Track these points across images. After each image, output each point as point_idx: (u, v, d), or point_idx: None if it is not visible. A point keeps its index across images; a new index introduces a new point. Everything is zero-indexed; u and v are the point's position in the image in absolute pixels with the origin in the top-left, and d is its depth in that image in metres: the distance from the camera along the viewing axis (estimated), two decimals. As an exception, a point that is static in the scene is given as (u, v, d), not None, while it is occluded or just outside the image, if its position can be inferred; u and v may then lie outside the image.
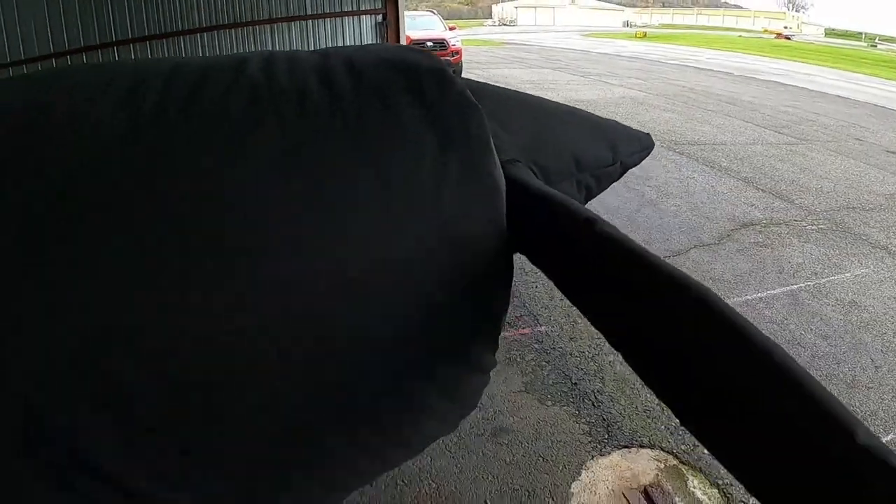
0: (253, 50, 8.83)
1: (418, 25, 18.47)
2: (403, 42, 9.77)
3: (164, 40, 8.54)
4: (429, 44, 17.06)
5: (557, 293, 4.92)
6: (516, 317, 4.71)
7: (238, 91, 1.26)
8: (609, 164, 1.81)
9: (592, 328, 4.22)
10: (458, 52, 18.00)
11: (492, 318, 1.43)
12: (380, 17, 9.28)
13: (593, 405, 3.59)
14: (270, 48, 9.11)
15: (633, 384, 3.76)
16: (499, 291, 1.42)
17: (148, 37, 8.46)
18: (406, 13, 20.29)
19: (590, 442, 3.28)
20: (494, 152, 1.33)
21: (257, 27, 8.92)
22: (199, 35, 8.76)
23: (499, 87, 1.81)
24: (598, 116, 1.96)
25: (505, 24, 64.87)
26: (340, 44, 9.26)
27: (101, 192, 1.11)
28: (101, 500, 1.20)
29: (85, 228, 1.07)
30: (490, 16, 71.34)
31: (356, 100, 1.28)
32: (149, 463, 1.15)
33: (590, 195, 1.81)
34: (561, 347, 4.24)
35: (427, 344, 1.32)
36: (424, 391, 1.39)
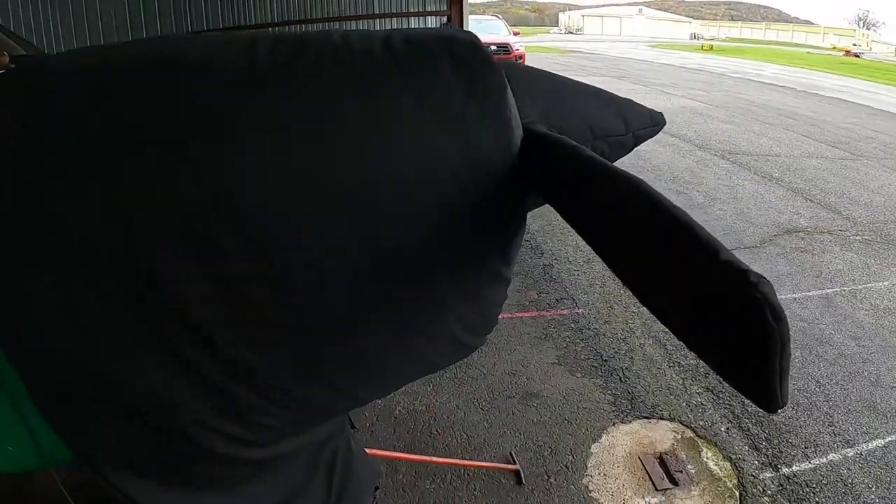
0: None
1: (483, 29, 18.65)
2: None
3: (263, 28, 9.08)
4: (493, 47, 17.22)
5: (597, 280, 5.13)
6: (556, 299, 4.90)
7: (326, 49, 1.66)
8: (621, 133, 2.01)
9: (627, 313, 4.40)
10: (521, 57, 18.12)
11: (506, 235, 1.70)
12: (444, 19, 9.47)
13: (620, 380, 3.76)
14: None
15: (660, 365, 3.91)
16: (511, 213, 1.67)
17: (223, 29, 8.99)
18: (471, 17, 20.51)
19: (613, 411, 3.46)
20: (511, 102, 1.63)
21: (327, 24, 9.28)
22: (270, 30, 9.21)
23: (527, 66, 2.08)
24: (612, 93, 2.13)
25: (571, 33, 64.57)
26: None
27: (231, 101, 1.58)
28: (194, 362, 1.61)
29: (224, 128, 1.57)
30: (556, 24, 71.10)
31: (408, 56, 1.65)
32: (230, 321, 1.59)
33: (605, 158, 2.04)
34: (595, 328, 4.41)
35: (451, 250, 1.63)
36: (452, 293, 1.69)
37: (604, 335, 4.31)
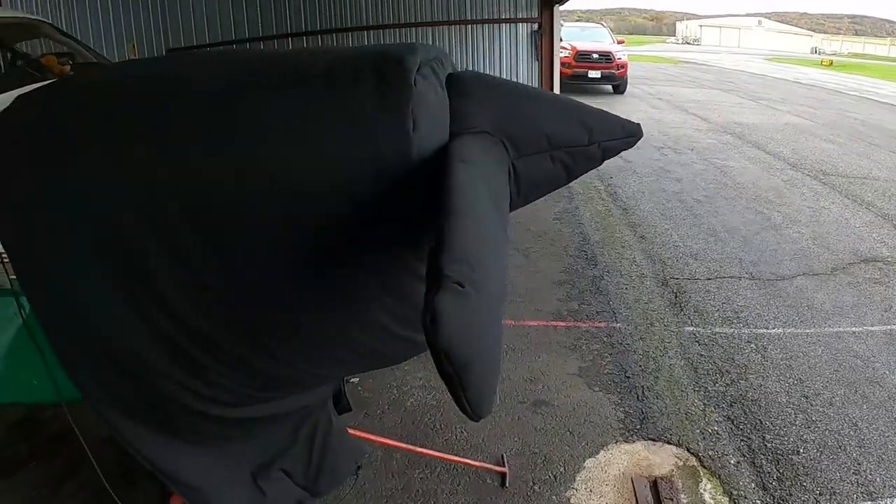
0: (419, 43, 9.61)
1: (586, 37, 18.22)
2: (558, 52, 9.80)
3: (336, 34, 9.35)
4: (594, 56, 16.81)
5: (645, 296, 4.93)
6: (597, 311, 4.74)
7: (275, 72, 1.93)
8: (583, 143, 1.94)
9: (666, 332, 4.20)
10: (623, 66, 17.59)
11: (413, 233, 1.83)
12: (535, 26, 9.34)
13: (637, 398, 3.58)
14: None
15: (685, 388, 3.70)
16: (414, 213, 1.76)
17: (321, 31, 9.30)
18: (574, 24, 20.09)
19: (619, 428, 3.30)
20: (412, 114, 1.71)
21: (419, 28, 9.37)
22: (366, 32, 9.46)
23: (489, 75, 2.12)
24: (578, 102, 2.08)
25: (688, 43, 62.36)
26: (497, 50, 9.48)
27: (192, 111, 1.94)
28: (160, 323, 2.03)
29: (186, 134, 1.90)
30: (674, 33, 68.81)
31: (342, 72, 1.83)
32: (183, 288, 1.95)
33: (569, 171, 1.98)
34: (627, 344, 4.22)
35: (359, 237, 1.81)
36: (369, 280, 1.91)
37: (634, 351, 4.12)
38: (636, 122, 2.04)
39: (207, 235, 1.94)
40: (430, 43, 9.33)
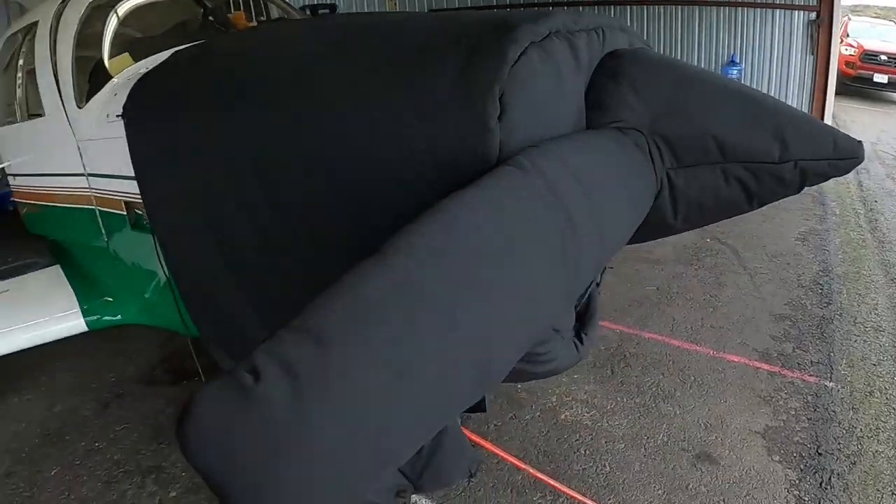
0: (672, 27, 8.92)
1: (875, 34, 15.32)
2: (836, 47, 8.34)
3: (601, 6, 8.98)
4: (883, 57, 14.11)
5: (874, 355, 4.20)
6: (811, 361, 4.12)
7: (366, 38, 1.80)
8: (772, 160, 1.47)
9: (887, 408, 3.53)
10: None
11: None
12: (813, 15, 8.02)
13: (820, 485, 3.06)
14: (696, 29, 8.77)
15: (885, 486, 3.08)
16: None
17: (597, 1, 8.84)
18: (864, 19, 16.93)
19: (784, 517, 2.86)
20: (493, 103, 1.35)
21: (685, 7, 8.58)
22: (627, 7, 8.93)
23: (662, 55, 1.66)
24: (777, 102, 1.55)
25: None
26: (768, 38, 8.37)
27: (295, 73, 1.87)
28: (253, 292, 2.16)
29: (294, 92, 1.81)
30: None
31: (430, 45, 1.55)
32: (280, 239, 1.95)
33: (750, 195, 1.53)
34: (833, 412, 3.61)
35: None
36: None
37: (838, 423, 3.51)
38: (857, 139, 1.50)
39: (275, 208, 1.89)
40: (696, 23, 8.57)
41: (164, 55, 3.06)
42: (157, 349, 4.73)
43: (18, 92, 4.38)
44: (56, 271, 3.98)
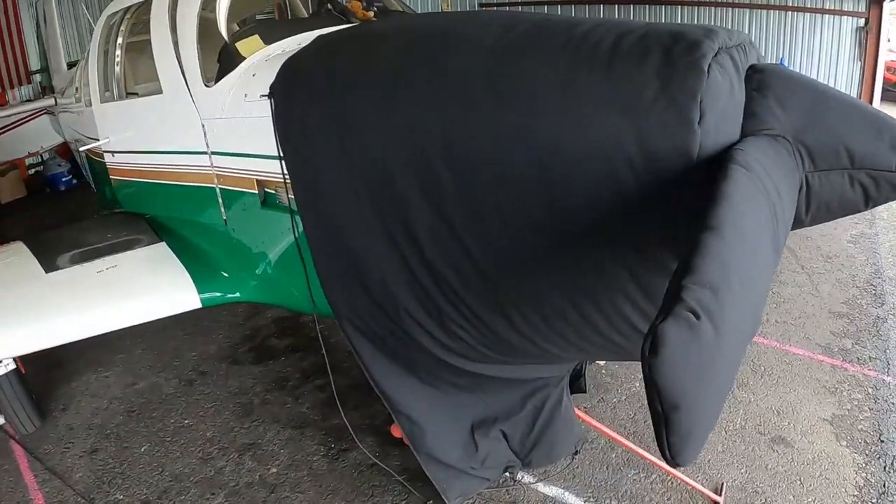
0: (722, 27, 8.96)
1: None
2: (884, 54, 8.29)
3: (654, 6, 9.01)
4: None
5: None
6: (870, 357, 4.35)
7: (558, 37, 1.89)
8: (891, 169, 1.67)
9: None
10: None
11: (673, 230, 1.67)
12: (861, 22, 8.05)
13: (884, 468, 3.32)
14: (746, 31, 8.85)
15: (945, 473, 3.35)
16: (680, 211, 1.64)
17: (653, 1, 8.94)
18: None
19: (854, 496, 3.11)
20: (696, 108, 1.58)
21: (737, 10, 8.55)
22: (679, 7, 8.94)
23: (795, 72, 1.86)
24: (889, 115, 1.74)
25: None
26: (816, 44, 8.35)
27: (475, 68, 1.99)
28: (410, 262, 2.24)
29: (467, 87, 1.99)
30: None
31: (625, 50, 1.74)
32: (437, 238, 2.12)
33: (868, 198, 1.72)
34: (893, 403, 3.85)
35: (616, 228, 1.75)
36: (617, 269, 1.83)
37: (897, 414, 3.78)
38: None
39: (465, 192, 1.99)
40: (746, 25, 8.57)
41: (299, 39, 3.02)
42: (237, 329, 4.72)
43: (117, 70, 4.25)
44: (163, 248, 3.85)
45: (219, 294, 3.52)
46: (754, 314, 1.37)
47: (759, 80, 1.72)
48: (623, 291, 1.85)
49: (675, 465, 1.23)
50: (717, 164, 1.53)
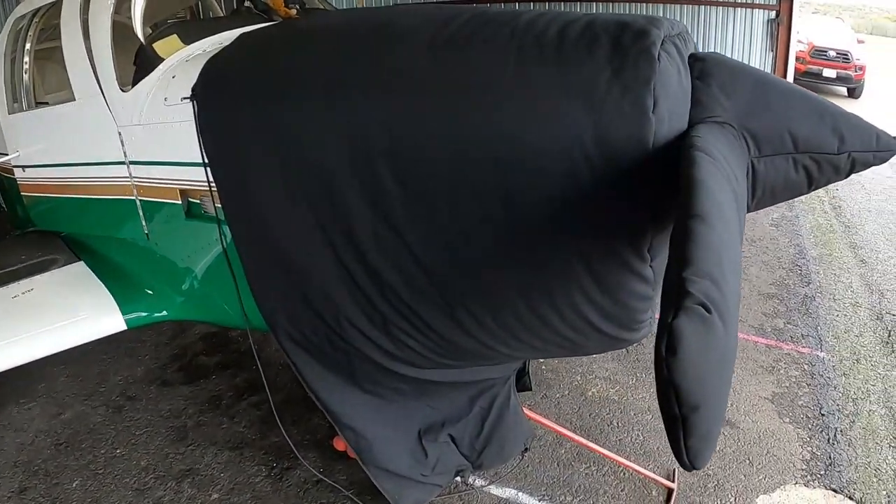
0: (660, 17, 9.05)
1: (824, 32, 15.91)
2: (794, 45, 8.67)
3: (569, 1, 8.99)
4: (831, 53, 14.62)
5: (856, 328, 4.53)
6: (802, 334, 4.43)
7: (504, 28, 1.80)
8: (832, 151, 1.68)
9: (872, 373, 3.80)
10: (861, 69, 14.98)
11: (634, 224, 1.66)
12: (772, 14, 8.37)
13: (828, 441, 3.35)
14: None
15: (881, 441, 3.39)
16: (639, 203, 1.62)
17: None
18: (813, 17, 17.41)
19: (802, 470, 3.13)
20: (655, 95, 1.55)
21: (649, 5, 8.71)
22: (594, 3, 9.01)
23: (734, 59, 1.84)
24: (831, 103, 1.75)
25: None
26: (730, 36, 8.62)
27: (416, 63, 1.89)
28: (352, 270, 2.10)
29: (407, 83, 1.90)
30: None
31: (572, 40, 1.69)
32: (380, 244, 1.99)
33: (811, 180, 1.73)
34: (828, 377, 3.92)
35: (574, 223, 1.69)
36: (575, 267, 1.75)
37: (834, 388, 3.82)
38: (892, 134, 1.74)
39: (412, 193, 1.89)
40: None
41: (221, 38, 2.82)
42: (164, 348, 4.43)
43: (25, 78, 3.90)
44: (81, 267, 3.54)
45: (145, 314, 3.22)
46: (738, 301, 1.33)
47: (701, 68, 1.70)
48: (578, 285, 1.79)
49: (692, 468, 1.16)
50: (675, 152, 1.50)
